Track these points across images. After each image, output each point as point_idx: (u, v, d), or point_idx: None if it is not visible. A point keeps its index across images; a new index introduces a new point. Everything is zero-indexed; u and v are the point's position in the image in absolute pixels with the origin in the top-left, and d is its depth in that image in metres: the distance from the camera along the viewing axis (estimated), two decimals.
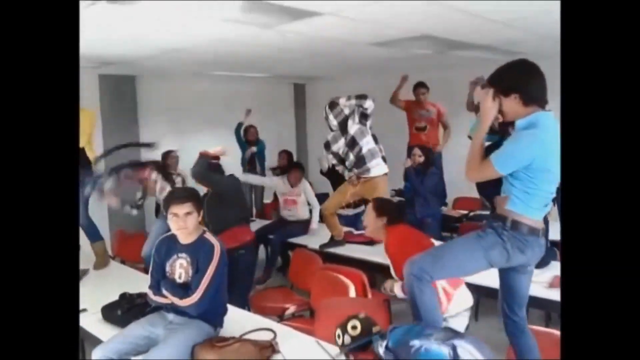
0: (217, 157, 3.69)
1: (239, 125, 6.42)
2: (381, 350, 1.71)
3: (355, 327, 1.85)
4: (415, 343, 1.66)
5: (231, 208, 3.47)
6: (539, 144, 1.85)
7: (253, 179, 5.48)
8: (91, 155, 3.75)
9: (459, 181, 5.10)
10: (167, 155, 5.55)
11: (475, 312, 3.64)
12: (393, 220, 2.79)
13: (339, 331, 1.89)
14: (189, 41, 3.92)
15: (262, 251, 5.11)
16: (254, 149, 6.34)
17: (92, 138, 3.81)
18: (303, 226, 4.73)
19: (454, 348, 1.62)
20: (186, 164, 5.69)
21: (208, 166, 3.50)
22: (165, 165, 5.04)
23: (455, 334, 1.72)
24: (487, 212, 4.10)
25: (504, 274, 2.19)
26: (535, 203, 1.98)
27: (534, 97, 1.90)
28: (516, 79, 1.92)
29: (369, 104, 3.90)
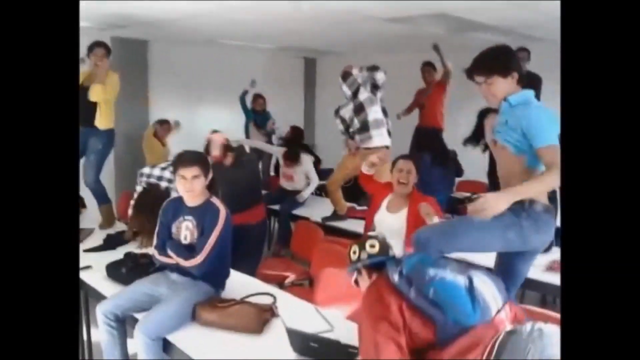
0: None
1: (244, 92, 6.56)
2: (395, 276, 1.64)
3: (373, 245, 1.82)
4: (431, 272, 1.61)
5: (249, 191, 3.52)
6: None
7: (260, 145, 5.51)
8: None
9: (462, 163, 5.08)
10: (161, 123, 5.67)
11: None
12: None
13: (355, 247, 1.86)
14: (203, 7, 3.88)
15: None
16: (274, 124, 6.47)
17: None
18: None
19: (470, 279, 1.58)
20: (192, 131, 5.74)
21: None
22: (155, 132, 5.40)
23: (471, 265, 1.69)
24: None
25: (508, 256, 2.15)
26: None
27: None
28: (514, 60, 2.08)
29: (380, 77, 3.88)
